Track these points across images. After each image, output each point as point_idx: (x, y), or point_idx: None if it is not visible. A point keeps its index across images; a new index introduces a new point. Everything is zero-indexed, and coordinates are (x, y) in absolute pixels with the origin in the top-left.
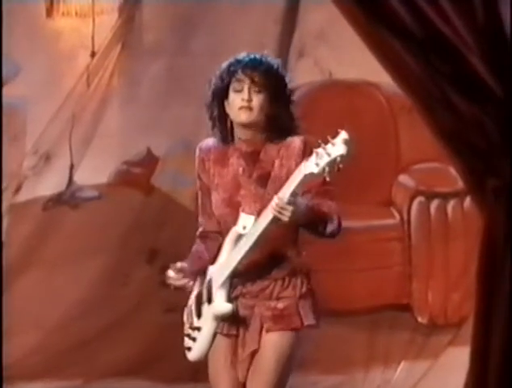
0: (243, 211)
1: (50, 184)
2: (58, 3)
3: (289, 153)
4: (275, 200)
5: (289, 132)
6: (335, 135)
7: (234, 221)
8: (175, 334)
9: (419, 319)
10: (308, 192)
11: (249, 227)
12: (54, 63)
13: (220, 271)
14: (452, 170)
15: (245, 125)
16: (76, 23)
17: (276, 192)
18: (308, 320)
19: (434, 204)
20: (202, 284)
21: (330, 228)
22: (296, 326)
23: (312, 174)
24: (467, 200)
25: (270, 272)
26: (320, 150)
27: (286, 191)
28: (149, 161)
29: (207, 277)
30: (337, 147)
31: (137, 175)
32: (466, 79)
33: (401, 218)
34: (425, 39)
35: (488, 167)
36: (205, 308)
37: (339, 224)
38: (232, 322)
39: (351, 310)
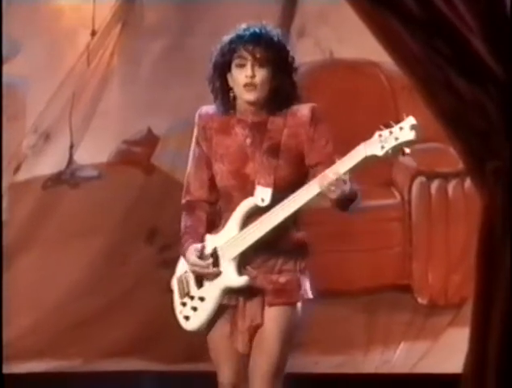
0: (259, 183)
1: (50, 163)
2: None
3: (297, 122)
4: (330, 176)
5: (292, 100)
6: (399, 119)
7: (240, 194)
8: (174, 314)
9: (419, 300)
10: (318, 165)
11: (267, 200)
12: (54, 42)
13: (232, 244)
14: (453, 151)
15: (249, 103)
16: (76, 1)
17: (289, 162)
18: (308, 295)
19: (435, 184)
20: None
21: (355, 205)
22: (297, 300)
23: (375, 156)
24: (468, 181)
25: (273, 245)
26: (385, 133)
27: (341, 168)
28: (150, 140)
29: (209, 247)
30: (405, 132)
31: (137, 154)
32: (467, 61)
33: (402, 198)
34: (427, 20)
35: (488, 149)
36: (209, 278)
37: (359, 200)
38: (233, 292)
39: (351, 291)
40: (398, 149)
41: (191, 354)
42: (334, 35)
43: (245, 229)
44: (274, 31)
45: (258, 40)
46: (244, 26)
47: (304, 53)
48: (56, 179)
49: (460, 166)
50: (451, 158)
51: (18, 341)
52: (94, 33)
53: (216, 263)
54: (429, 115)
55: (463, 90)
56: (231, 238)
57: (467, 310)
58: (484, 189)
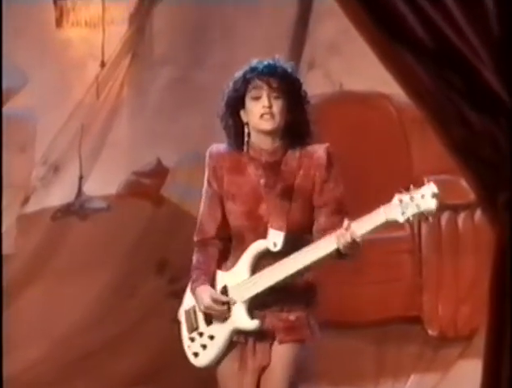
0: (271, 227)
1: (59, 195)
2: (68, 13)
3: (312, 164)
4: (346, 234)
5: (306, 136)
6: (421, 184)
7: (253, 234)
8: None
9: (429, 332)
10: (323, 207)
11: (279, 245)
12: (63, 73)
13: (244, 286)
14: (463, 183)
15: (266, 133)
16: (85, 32)
17: (301, 205)
18: (316, 334)
19: (445, 216)
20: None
21: (354, 258)
22: (307, 337)
23: (395, 221)
24: (478, 213)
25: (283, 287)
26: (406, 198)
27: (359, 230)
28: (159, 172)
29: (218, 284)
30: (427, 200)
31: (147, 185)
32: (478, 92)
33: (412, 230)
34: (438, 51)
35: (499, 181)
36: (219, 317)
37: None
38: (243, 333)
39: (361, 322)
40: (419, 217)
41: (201, 386)
42: (344, 67)
43: (258, 274)
44: (288, 64)
45: (272, 70)
46: (256, 60)
47: (314, 85)
48: (66, 211)
49: (470, 198)
50: (461, 189)
51: (25, 374)
52: (103, 64)
53: (228, 306)
54: (439, 147)
55: (474, 122)
56: (242, 281)
57: (478, 342)
58: (496, 221)
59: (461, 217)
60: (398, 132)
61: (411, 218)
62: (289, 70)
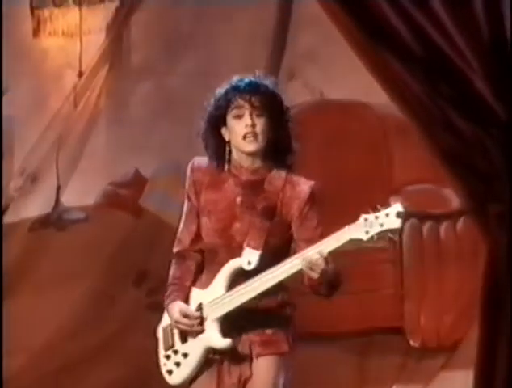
0: (248, 245)
1: (36, 206)
2: (45, 22)
3: (294, 195)
4: (313, 256)
5: (289, 153)
6: (387, 204)
7: (225, 252)
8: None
9: (411, 342)
10: (303, 242)
11: (254, 263)
12: (41, 83)
13: (217, 304)
14: (445, 192)
15: (249, 154)
16: (63, 42)
17: (279, 229)
18: (294, 348)
19: (427, 225)
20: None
21: (333, 291)
22: (285, 350)
23: (359, 240)
24: (460, 222)
25: (259, 307)
26: (370, 217)
27: (324, 248)
28: (137, 182)
29: (193, 301)
30: (391, 219)
31: (125, 196)
32: (469, 101)
33: (393, 240)
34: (427, 59)
35: (489, 191)
36: (194, 335)
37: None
38: (217, 352)
39: (342, 333)
40: (383, 236)
41: None
42: (324, 75)
43: (231, 292)
44: (269, 80)
45: (254, 88)
46: (237, 77)
47: (294, 95)
48: (43, 222)
49: (452, 207)
50: (443, 199)
51: (5, 385)
52: (80, 74)
53: (200, 321)
54: (421, 156)
55: (464, 131)
56: (216, 298)
57: (461, 353)
58: (488, 232)
59: (443, 227)
60: (380, 141)
61: (375, 237)
62: (270, 87)
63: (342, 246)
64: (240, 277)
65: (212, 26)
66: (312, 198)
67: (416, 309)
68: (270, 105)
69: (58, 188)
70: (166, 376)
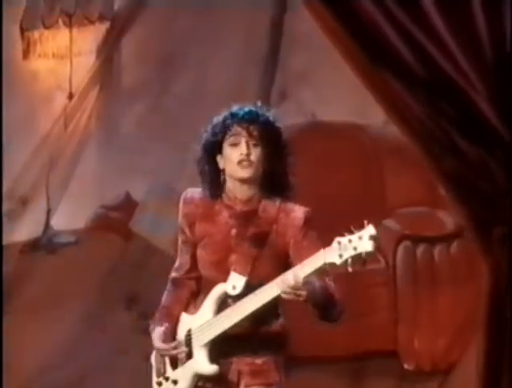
0: (234, 270)
1: (26, 229)
2: (35, 44)
3: (288, 223)
4: (288, 280)
5: (285, 188)
6: (360, 227)
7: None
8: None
9: (405, 366)
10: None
11: (239, 288)
12: (31, 105)
13: (203, 330)
14: (439, 214)
15: (242, 181)
16: (53, 64)
17: (271, 256)
18: (283, 377)
19: (421, 248)
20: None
21: (337, 311)
22: (275, 381)
23: (333, 264)
24: (454, 245)
25: (250, 334)
26: (343, 240)
27: (300, 273)
28: (128, 205)
29: (183, 327)
30: (364, 242)
31: (115, 219)
32: (472, 122)
33: (386, 263)
34: (429, 80)
35: (493, 213)
36: (184, 362)
37: (344, 309)
38: (206, 378)
39: (336, 357)
40: (357, 259)
41: None
42: (316, 97)
43: (217, 317)
44: (270, 111)
45: (253, 118)
46: (237, 106)
47: (286, 115)
48: (33, 246)
49: (446, 230)
50: (437, 221)
51: None
52: (71, 96)
53: (188, 346)
54: (414, 178)
55: (467, 153)
56: (204, 323)
57: (455, 376)
58: (490, 253)
59: (437, 250)
60: (372, 163)
61: (349, 261)
62: (270, 118)
63: (318, 270)
64: (227, 302)
65: (204, 47)
66: (307, 224)
67: (410, 333)
68: (267, 136)
69: (48, 211)
70: None
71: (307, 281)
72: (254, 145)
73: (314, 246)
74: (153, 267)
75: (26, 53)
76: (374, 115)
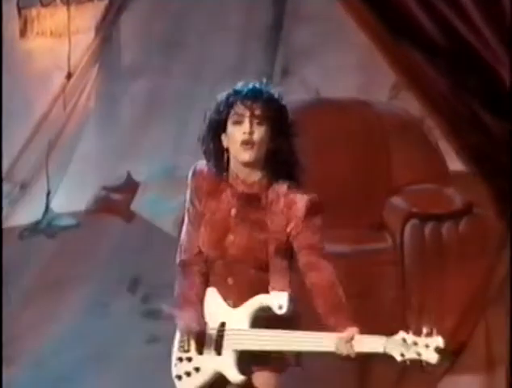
0: (273, 289)
1: (26, 213)
2: (32, 22)
3: (291, 214)
4: (345, 345)
5: (291, 168)
6: (430, 331)
7: (221, 265)
8: (158, 366)
9: None
10: (304, 249)
11: (285, 307)
12: (28, 85)
13: (241, 336)
14: (447, 191)
15: (245, 164)
16: (50, 43)
17: (276, 246)
18: (298, 360)
19: (429, 226)
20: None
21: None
22: (288, 365)
23: (391, 357)
24: (463, 222)
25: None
26: (409, 339)
27: (358, 347)
28: (129, 186)
29: (215, 315)
30: (429, 352)
31: (117, 201)
32: (496, 96)
33: (394, 242)
34: (452, 52)
35: None
36: (211, 353)
37: None
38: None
39: None
40: (416, 364)
41: None
42: (320, 73)
43: (257, 331)
44: (276, 89)
45: (257, 95)
46: (242, 83)
47: (289, 92)
48: (33, 229)
49: (454, 207)
50: (445, 199)
51: None
52: (69, 75)
53: (219, 341)
54: (421, 154)
55: (491, 127)
56: (241, 330)
57: (465, 357)
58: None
59: (445, 227)
60: (378, 140)
61: (408, 362)
62: (275, 96)
63: (373, 352)
64: (264, 314)
65: (205, 23)
66: (310, 214)
67: (418, 312)
68: (272, 114)
69: (48, 194)
70: (175, 379)
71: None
72: (258, 124)
73: (314, 228)
74: (156, 248)
75: (23, 32)
76: (379, 92)
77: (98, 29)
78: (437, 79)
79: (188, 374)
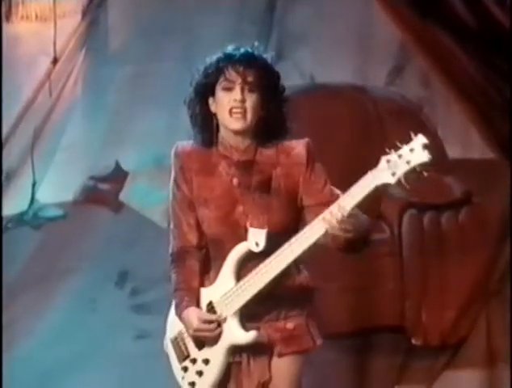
0: (251, 225)
1: (11, 204)
2: (17, 6)
3: (291, 162)
4: (335, 212)
5: (282, 134)
6: (406, 139)
7: (232, 240)
8: (148, 362)
9: (413, 341)
10: (321, 205)
11: (262, 243)
12: (13, 71)
13: (230, 298)
14: (446, 180)
15: (236, 132)
16: (36, 27)
17: (281, 202)
18: (317, 340)
19: (427, 216)
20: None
21: (364, 243)
22: (309, 346)
23: (386, 185)
24: (463, 212)
25: (275, 292)
26: (393, 157)
27: (347, 203)
28: (118, 175)
29: (203, 302)
30: (417, 153)
31: (105, 191)
32: None
33: (392, 233)
34: (482, 33)
35: None
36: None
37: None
38: (239, 350)
39: (340, 333)
40: (413, 174)
41: None
42: (315, 57)
43: (244, 280)
44: (268, 54)
45: (250, 61)
46: (233, 46)
47: (283, 77)
48: (18, 221)
49: (454, 196)
50: (444, 188)
51: None
52: (55, 61)
53: (218, 323)
54: None
55: None
56: (228, 291)
57: (466, 351)
58: None
59: (445, 217)
60: (374, 126)
61: (403, 178)
62: (268, 61)
63: (367, 196)
64: (249, 263)
65: (196, 5)
66: (311, 157)
67: (417, 306)
68: (265, 81)
69: (34, 184)
70: None
71: (356, 214)
72: (250, 91)
73: (321, 179)
74: (145, 240)
75: (7, 16)
76: (375, 77)
77: (84, 12)
78: (466, 62)
79: (200, 373)
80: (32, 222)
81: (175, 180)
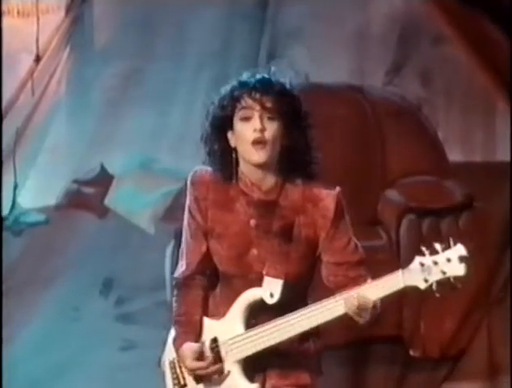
0: (267, 274)
1: None
2: None
3: (317, 213)
4: (357, 298)
5: (307, 165)
6: (446, 244)
7: (242, 281)
8: (133, 373)
9: (411, 352)
10: (341, 264)
11: (277, 295)
12: None
13: (237, 343)
14: (446, 184)
15: (258, 165)
16: (18, 23)
17: (300, 251)
18: (317, 377)
19: (426, 222)
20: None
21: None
22: (305, 382)
23: (415, 288)
24: (463, 217)
25: (284, 348)
26: (427, 261)
27: (371, 295)
28: (103, 179)
29: (206, 334)
30: (453, 265)
31: (89, 195)
32: None
33: (389, 239)
34: None
35: None
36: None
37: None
38: None
39: (335, 344)
40: (445, 284)
41: None
42: (310, 56)
43: (254, 331)
44: (286, 78)
45: (266, 86)
46: (248, 74)
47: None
48: None
49: (454, 201)
50: (444, 192)
51: None
52: (38, 58)
53: (217, 358)
54: (418, 144)
55: None
56: (237, 337)
57: (465, 363)
58: None
59: (445, 223)
60: (371, 128)
61: (434, 285)
62: (287, 86)
63: (393, 293)
64: (259, 311)
65: (185, 1)
66: (339, 213)
67: (415, 316)
68: (284, 107)
69: (15, 188)
70: None
71: (378, 304)
72: (269, 119)
73: (346, 237)
74: (131, 247)
75: None
76: (373, 76)
77: (68, 8)
78: (502, 43)
79: None
80: (13, 228)
81: (189, 208)
